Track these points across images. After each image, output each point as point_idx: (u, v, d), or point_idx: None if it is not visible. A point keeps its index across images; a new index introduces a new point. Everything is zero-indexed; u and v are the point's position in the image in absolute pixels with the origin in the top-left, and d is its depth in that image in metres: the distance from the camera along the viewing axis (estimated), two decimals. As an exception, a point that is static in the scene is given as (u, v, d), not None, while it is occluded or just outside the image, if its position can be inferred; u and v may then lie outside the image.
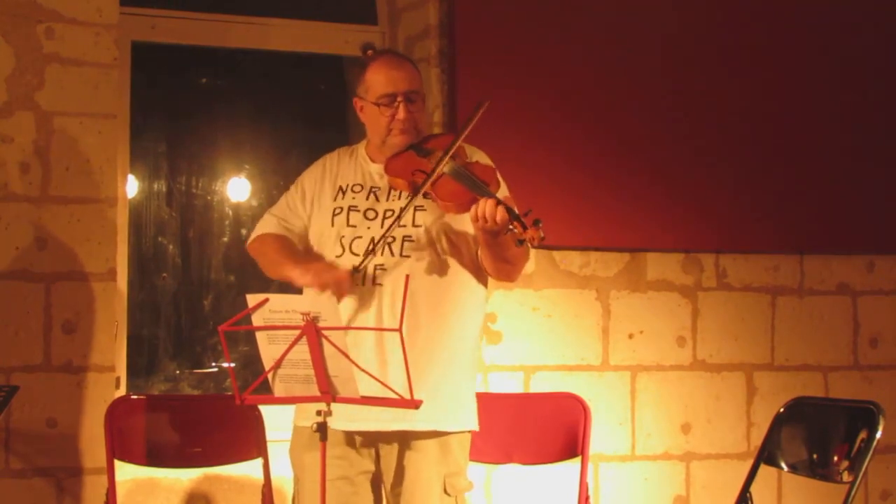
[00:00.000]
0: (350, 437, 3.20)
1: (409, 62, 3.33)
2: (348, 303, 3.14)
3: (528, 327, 4.51)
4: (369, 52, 3.39)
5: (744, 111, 4.73)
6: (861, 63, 4.88)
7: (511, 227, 2.96)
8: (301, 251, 3.32)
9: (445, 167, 3.15)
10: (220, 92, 4.87)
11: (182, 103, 4.77)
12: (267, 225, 3.38)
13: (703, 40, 4.71)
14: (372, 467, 3.23)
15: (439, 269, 3.19)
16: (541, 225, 2.93)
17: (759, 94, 4.75)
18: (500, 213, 2.96)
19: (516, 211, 2.97)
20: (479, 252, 3.21)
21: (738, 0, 4.78)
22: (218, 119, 4.80)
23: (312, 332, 2.79)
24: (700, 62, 4.70)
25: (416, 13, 4.58)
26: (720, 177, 4.69)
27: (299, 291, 3.26)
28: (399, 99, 3.23)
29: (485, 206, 2.98)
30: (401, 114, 3.23)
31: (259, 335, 2.87)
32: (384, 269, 3.16)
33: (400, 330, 2.82)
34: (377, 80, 3.24)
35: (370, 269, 3.16)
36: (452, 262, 3.21)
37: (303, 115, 4.91)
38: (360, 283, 3.16)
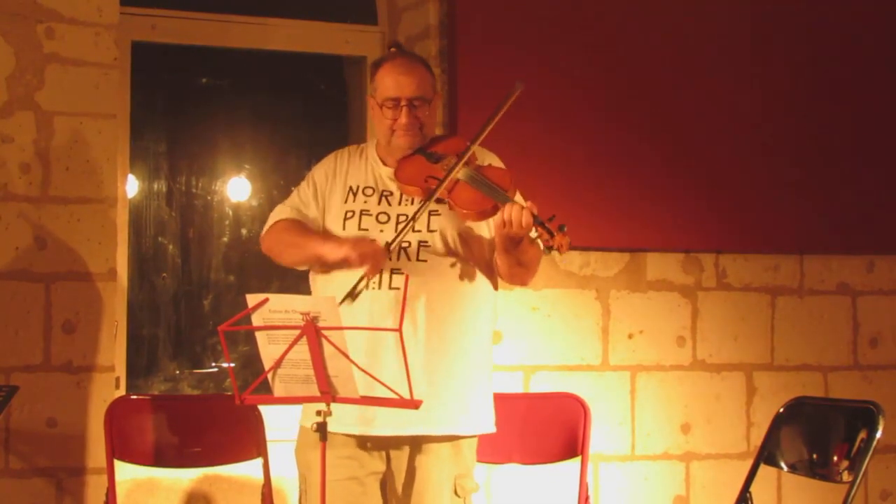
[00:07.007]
0: (361, 440, 3.18)
1: (421, 67, 3.28)
2: (365, 307, 3.12)
3: (528, 327, 4.51)
4: (392, 49, 3.34)
5: (744, 111, 4.73)
6: (861, 63, 4.88)
7: (536, 234, 2.96)
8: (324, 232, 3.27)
9: (459, 173, 3.14)
10: (220, 92, 4.87)
11: (182, 103, 4.77)
12: (282, 212, 3.32)
13: (706, 41, 4.70)
14: (382, 467, 3.21)
15: (455, 273, 3.18)
16: (566, 230, 2.93)
17: (759, 95, 4.75)
18: (526, 218, 2.97)
19: (540, 218, 2.97)
20: (497, 257, 3.21)
21: (741, 2, 4.78)
22: (218, 119, 4.79)
23: (312, 331, 2.79)
24: (701, 62, 4.69)
25: (416, 13, 4.58)
26: (720, 177, 4.68)
27: (298, 291, 3.26)
28: (403, 104, 3.21)
29: (511, 210, 2.99)
30: (402, 118, 3.21)
31: (259, 335, 2.86)
32: (400, 275, 3.13)
33: (400, 330, 2.82)
34: (384, 83, 3.23)
35: (386, 275, 3.14)
36: (467, 266, 3.21)
37: (303, 115, 4.90)
38: (376, 287, 3.14)
